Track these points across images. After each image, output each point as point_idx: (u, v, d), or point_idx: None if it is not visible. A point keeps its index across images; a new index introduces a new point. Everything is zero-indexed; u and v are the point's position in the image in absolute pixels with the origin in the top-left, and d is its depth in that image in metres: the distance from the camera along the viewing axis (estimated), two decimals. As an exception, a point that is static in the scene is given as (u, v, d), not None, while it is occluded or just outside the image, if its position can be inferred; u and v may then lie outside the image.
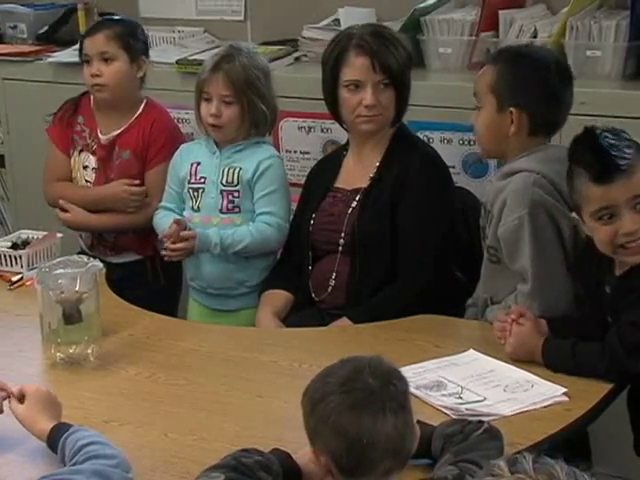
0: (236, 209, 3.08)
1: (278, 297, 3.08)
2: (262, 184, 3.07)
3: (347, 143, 3.11)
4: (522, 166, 2.64)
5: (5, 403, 2.15)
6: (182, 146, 3.24)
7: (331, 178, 3.08)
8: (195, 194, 3.13)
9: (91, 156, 3.41)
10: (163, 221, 3.16)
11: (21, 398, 2.14)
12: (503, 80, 2.67)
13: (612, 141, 2.31)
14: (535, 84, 2.66)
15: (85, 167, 3.42)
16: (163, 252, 3.07)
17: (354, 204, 2.99)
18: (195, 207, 3.14)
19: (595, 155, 2.31)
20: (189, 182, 3.14)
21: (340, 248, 2.99)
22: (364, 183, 3.00)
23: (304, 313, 3.04)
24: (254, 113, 3.06)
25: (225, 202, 3.08)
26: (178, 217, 3.10)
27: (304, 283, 3.06)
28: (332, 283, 2.99)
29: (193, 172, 3.14)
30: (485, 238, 2.77)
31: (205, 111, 3.07)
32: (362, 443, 1.71)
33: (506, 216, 2.62)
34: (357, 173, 3.03)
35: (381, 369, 1.77)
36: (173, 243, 3.01)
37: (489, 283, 2.77)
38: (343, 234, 2.98)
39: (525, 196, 2.59)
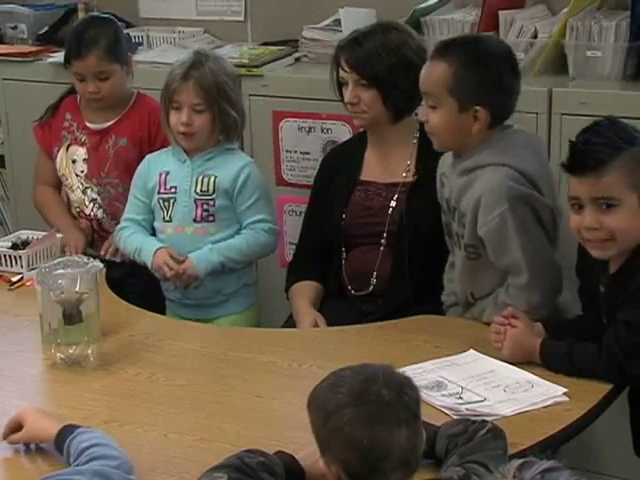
0: (210, 217, 3.03)
1: (309, 288, 3.09)
2: (246, 195, 3.04)
3: (361, 136, 3.08)
4: (486, 160, 2.63)
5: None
6: (148, 156, 3.18)
7: (354, 171, 3.05)
8: (166, 204, 3.07)
9: (80, 148, 3.42)
10: (133, 238, 3.10)
11: (18, 427, 2.12)
12: (463, 82, 2.62)
13: (589, 137, 2.32)
14: (494, 81, 2.63)
15: (74, 161, 3.43)
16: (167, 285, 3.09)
17: (395, 197, 2.98)
18: (167, 217, 3.07)
19: (570, 148, 2.34)
20: (159, 192, 3.08)
21: (383, 242, 2.98)
22: (399, 177, 2.99)
23: (338, 307, 3.02)
24: (225, 120, 3.03)
25: (199, 211, 3.03)
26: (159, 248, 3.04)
27: (334, 275, 3.06)
28: (374, 281, 2.99)
29: (162, 182, 3.08)
30: (450, 235, 2.76)
31: (175, 120, 3.01)
32: (376, 455, 1.70)
33: (485, 215, 2.60)
34: (386, 167, 3.02)
35: (394, 379, 1.76)
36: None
37: (468, 280, 2.75)
38: (387, 228, 2.97)
39: (501, 192, 2.57)
